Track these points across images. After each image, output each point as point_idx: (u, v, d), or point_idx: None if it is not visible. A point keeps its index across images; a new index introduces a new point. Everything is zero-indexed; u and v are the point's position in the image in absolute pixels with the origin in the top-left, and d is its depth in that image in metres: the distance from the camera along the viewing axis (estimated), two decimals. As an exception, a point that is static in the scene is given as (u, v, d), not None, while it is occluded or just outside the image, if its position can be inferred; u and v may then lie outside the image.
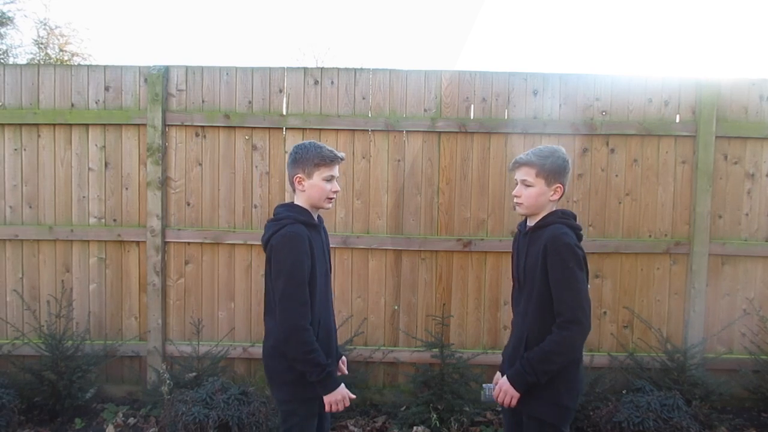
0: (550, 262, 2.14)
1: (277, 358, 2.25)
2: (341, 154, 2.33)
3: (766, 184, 4.06)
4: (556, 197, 2.24)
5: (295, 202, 2.32)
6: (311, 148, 2.27)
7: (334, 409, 2.22)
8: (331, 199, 2.32)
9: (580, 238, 2.25)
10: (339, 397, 2.22)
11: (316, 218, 2.34)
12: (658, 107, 4.05)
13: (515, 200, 2.30)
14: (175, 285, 4.11)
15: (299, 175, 2.27)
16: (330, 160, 2.27)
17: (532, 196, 2.23)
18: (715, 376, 3.86)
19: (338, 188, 2.35)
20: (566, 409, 2.21)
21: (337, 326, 3.94)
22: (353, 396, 2.30)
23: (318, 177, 2.26)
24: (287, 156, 2.33)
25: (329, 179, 2.29)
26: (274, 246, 2.18)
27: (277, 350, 2.24)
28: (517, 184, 2.29)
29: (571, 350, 2.13)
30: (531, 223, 2.31)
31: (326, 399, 2.21)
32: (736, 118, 4.04)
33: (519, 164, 2.27)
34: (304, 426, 2.26)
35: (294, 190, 2.33)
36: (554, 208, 2.29)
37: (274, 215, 2.31)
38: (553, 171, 2.21)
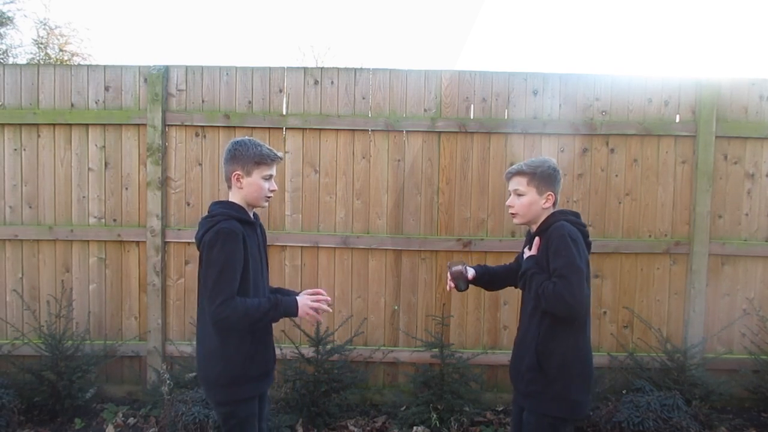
0: (549, 255, 2.20)
1: (210, 362, 2.23)
2: (280, 154, 2.33)
3: (766, 184, 4.06)
4: (548, 205, 2.32)
5: (231, 200, 2.30)
6: (251, 145, 2.25)
7: (311, 313, 2.25)
8: (268, 197, 2.31)
9: (584, 233, 2.30)
10: (306, 308, 2.24)
11: (251, 215, 2.32)
12: (658, 107, 4.05)
13: (510, 211, 2.39)
14: (175, 285, 4.11)
15: (238, 172, 2.25)
16: (270, 159, 2.27)
17: (524, 205, 2.32)
18: (715, 376, 3.85)
19: (276, 187, 2.34)
20: (576, 403, 2.23)
21: (336, 326, 3.97)
22: (319, 296, 2.31)
23: (257, 175, 2.25)
24: (225, 151, 2.30)
25: (268, 178, 2.28)
26: (206, 242, 2.16)
27: (209, 355, 2.23)
28: (510, 195, 2.38)
29: (549, 301, 2.13)
30: (534, 229, 2.38)
31: (301, 316, 2.24)
32: (736, 118, 4.04)
33: (512, 173, 2.37)
34: (244, 427, 2.25)
35: (230, 187, 2.30)
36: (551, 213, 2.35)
37: (208, 212, 2.29)
38: (544, 179, 2.31)
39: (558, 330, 2.21)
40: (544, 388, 2.22)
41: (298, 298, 2.29)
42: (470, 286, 2.55)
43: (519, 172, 2.34)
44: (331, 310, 2.37)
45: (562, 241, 2.16)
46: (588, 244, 2.32)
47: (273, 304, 2.19)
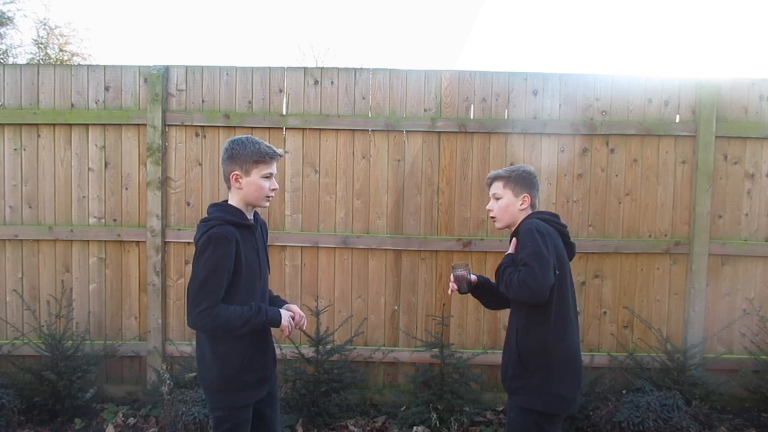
0: (518, 248, 2.30)
1: (205, 366, 2.21)
2: (280, 151, 2.26)
3: (766, 184, 4.06)
4: (524, 206, 2.42)
5: (230, 201, 2.25)
6: (249, 144, 2.18)
7: (290, 328, 2.26)
8: (269, 197, 2.25)
9: (562, 232, 2.39)
10: (285, 321, 2.25)
11: (251, 217, 2.27)
12: (658, 107, 4.05)
13: (490, 215, 2.50)
14: (175, 285, 4.11)
15: (236, 172, 2.18)
16: (269, 156, 2.20)
17: (502, 208, 2.43)
18: (715, 376, 3.85)
19: (277, 186, 2.27)
20: (558, 397, 2.26)
21: (336, 326, 3.97)
22: (296, 312, 2.33)
23: (256, 174, 2.19)
24: (222, 151, 2.24)
25: (268, 176, 2.21)
26: (198, 247, 2.12)
27: (204, 360, 2.22)
28: (490, 201, 2.49)
29: (514, 288, 2.21)
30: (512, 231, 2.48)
31: (283, 326, 2.26)
32: (736, 118, 4.04)
33: (491, 179, 2.51)
34: None
35: (229, 188, 2.24)
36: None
37: (207, 214, 2.25)
38: (519, 181, 2.41)
39: (533, 323, 2.28)
40: (525, 383, 2.29)
41: (282, 310, 2.29)
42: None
43: (496, 177, 2.46)
44: (290, 331, 2.33)
45: (528, 233, 2.26)
46: (569, 244, 2.41)
47: (255, 311, 2.15)
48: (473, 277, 2.55)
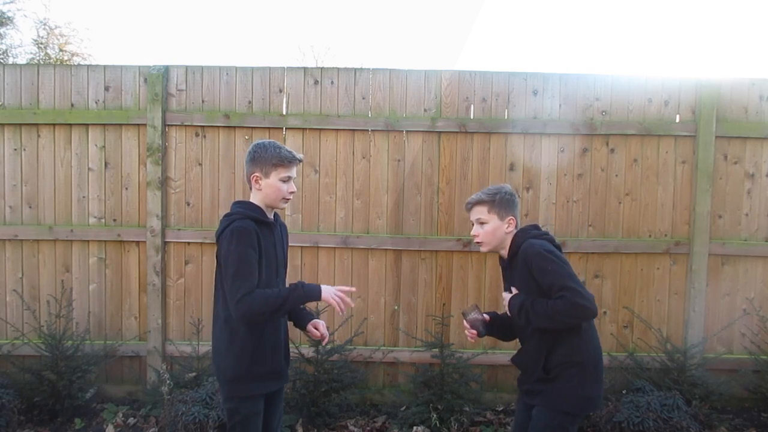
0: (536, 275, 2.23)
1: (220, 356, 2.29)
2: (300, 156, 2.35)
3: (766, 184, 4.06)
4: (510, 229, 2.38)
5: (251, 200, 2.35)
6: (270, 147, 2.29)
7: (335, 299, 2.26)
8: (287, 199, 2.35)
9: (550, 240, 2.36)
10: (330, 293, 2.26)
11: (271, 216, 2.36)
12: (658, 107, 4.05)
13: (475, 240, 2.42)
14: (175, 285, 4.11)
15: (256, 174, 2.30)
16: (288, 161, 2.29)
17: (488, 233, 2.37)
18: (715, 376, 3.85)
19: (295, 189, 2.37)
20: (586, 399, 2.26)
21: (336, 326, 3.96)
22: (344, 289, 2.33)
23: (275, 177, 2.29)
24: (246, 153, 2.34)
25: (286, 180, 2.31)
26: (222, 240, 2.23)
27: (219, 350, 2.29)
28: (473, 225, 2.42)
29: (567, 314, 2.15)
30: (505, 255, 2.42)
31: (325, 298, 2.26)
32: (736, 118, 4.04)
33: (472, 204, 2.41)
34: (246, 425, 2.28)
35: (251, 188, 2.35)
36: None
37: (229, 211, 2.35)
38: (503, 204, 2.36)
39: (561, 339, 2.25)
40: (556, 385, 2.26)
41: (322, 285, 2.33)
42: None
43: (479, 202, 2.39)
44: (353, 305, 2.37)
45: (541, 258, 2.21)
46: (558, 247, 2.37)
47: (293, 287, 2.23)
48: (486, 317, 2.50)
